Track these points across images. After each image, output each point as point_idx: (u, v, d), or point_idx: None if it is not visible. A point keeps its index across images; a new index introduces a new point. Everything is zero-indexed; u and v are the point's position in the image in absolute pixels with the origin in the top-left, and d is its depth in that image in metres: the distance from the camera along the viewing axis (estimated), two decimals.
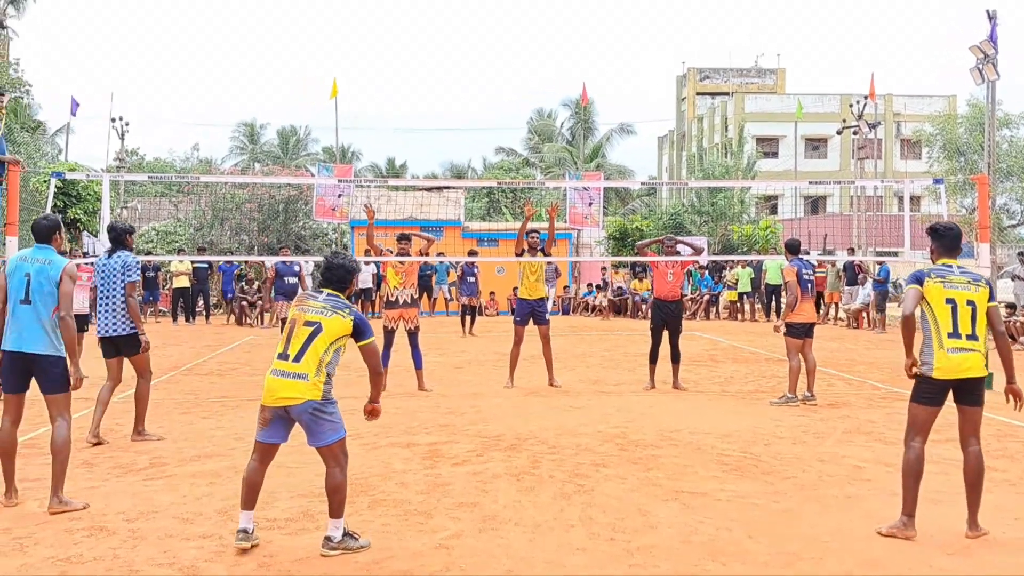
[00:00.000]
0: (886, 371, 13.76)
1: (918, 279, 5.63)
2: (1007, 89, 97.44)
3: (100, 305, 8.37)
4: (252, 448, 5.46)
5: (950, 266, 5.69)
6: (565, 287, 28.52)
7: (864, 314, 22.89)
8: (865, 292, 22.75)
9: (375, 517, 5.96)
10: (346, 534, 5.29)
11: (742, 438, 8.57)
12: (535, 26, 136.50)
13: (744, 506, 6.28)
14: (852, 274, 23.51)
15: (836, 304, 24.54)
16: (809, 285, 10.81)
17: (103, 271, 8.39)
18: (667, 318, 11.87)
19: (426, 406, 10.43)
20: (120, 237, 8.59)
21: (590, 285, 28.59)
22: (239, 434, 8.68)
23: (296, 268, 18.55)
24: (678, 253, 12.40)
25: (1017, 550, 5.40)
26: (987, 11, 18.84)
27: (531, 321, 11.98)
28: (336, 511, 5.27)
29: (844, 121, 39.73)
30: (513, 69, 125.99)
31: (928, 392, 5.61)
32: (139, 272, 8.51)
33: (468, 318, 20.35)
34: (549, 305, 27.40)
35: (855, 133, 33.80)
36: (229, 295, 24.74)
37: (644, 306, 25.98)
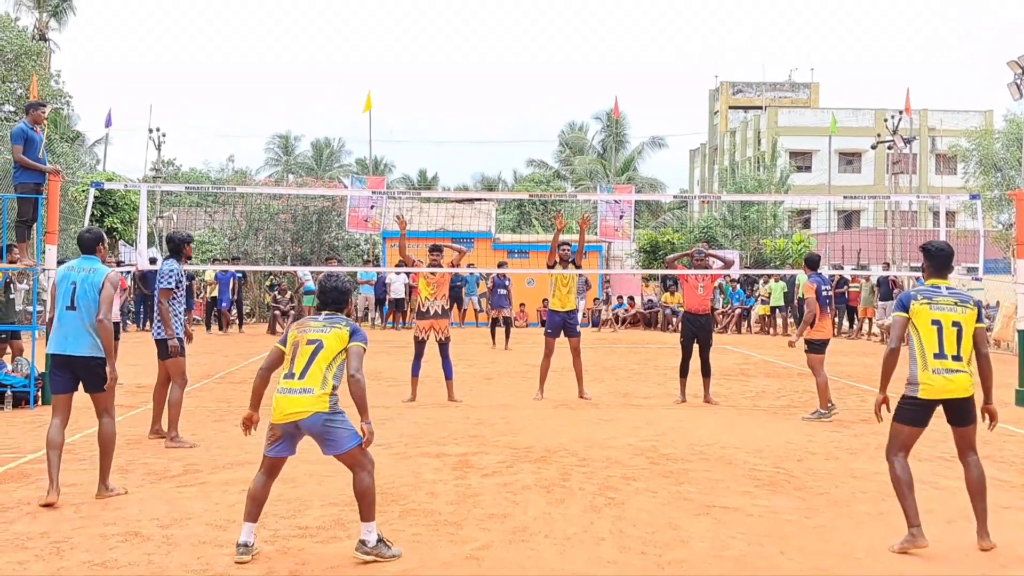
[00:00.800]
0: None
1: (904, 304, 5.67)
2: None
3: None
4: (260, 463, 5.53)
5: (938, 287, 5.72)
6: (595, 299, 28.47)
7: None
8: None
9: (406, 527, 5.97)
10: (380, 540, 5.33)
11: (774, 453, 8.51)
12: (567, 39, 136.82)
13: (776, 522, 6.23)
14: (887, 289, 23.31)
15: (870, 319, 24.33)
16: (827, 301, 10.80)
17: (156, 279, 8.77)
18: (697, 331, 11.83)
19: (456, 417, 10.45)
20: (177, 247, 8.95)
21: (620, 298, 28.50)
22: None
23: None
24: (709, 266, 12.39)
25: None
26: None
27: (562, 333, 11.98)
28: (367, 514, 5.33)
29: (878, 136, 39.44)
30: (545, 82, 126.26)
31: (912, 411, 5.65)
32: (171, 280, 8.68)
33: (502, 331, 19.96)
34: (579, 317, 27.46)
35: (890, 148, 33.55)
36: (225, 304, 23.95)
37: (675, 319, 25.88)
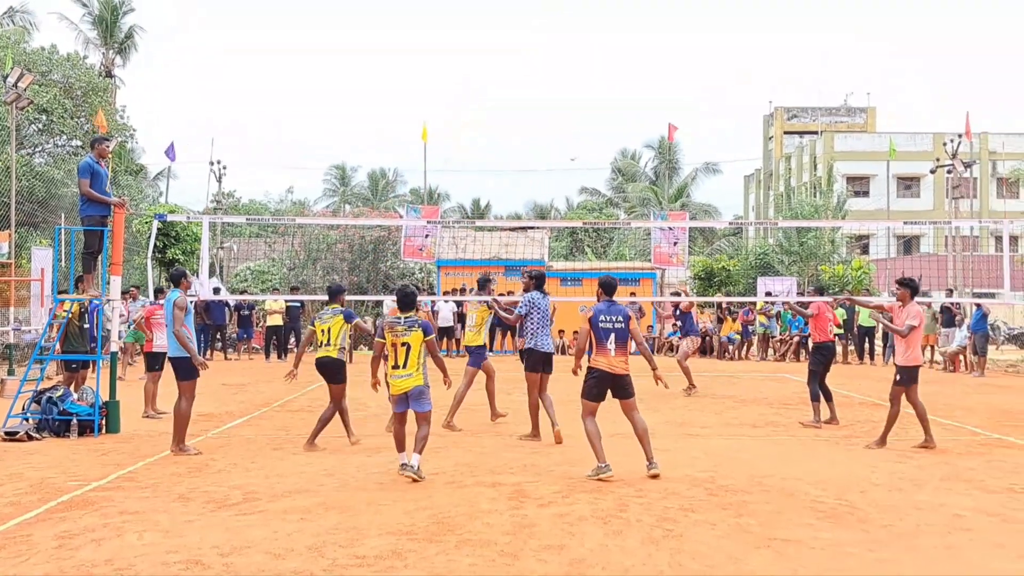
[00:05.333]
0: (984, 416, 13.26)
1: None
2: None
3: None
4: (391, 418, 8.82)
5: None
6: (648, 327, 28.26)
7: (961, 357, 22.15)
8: (962, 334, 22.03)
9: (461, 557, 5.96)
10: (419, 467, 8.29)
11: (836, 484, 8.34)
12: (619, 67, 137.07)
13: (839, 554, 6.11)
14: (949, 316, 22.81)
15: (932, 347, 23.83)
16: (610, 333, 8.66)
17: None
18: (827, 358, 12.90)
19: (511, 445, 10.44)
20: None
21: (675, 325, 28.17)
22: (329, 470, 8.82)
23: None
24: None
25: None
26: None
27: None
28: (420, 449, 8.37)
29: (937, 160, 38.75)
30: (597, 110, 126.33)
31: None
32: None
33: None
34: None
35: (949, 172, 32.92)
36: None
37: (731, 347, 25.57)
